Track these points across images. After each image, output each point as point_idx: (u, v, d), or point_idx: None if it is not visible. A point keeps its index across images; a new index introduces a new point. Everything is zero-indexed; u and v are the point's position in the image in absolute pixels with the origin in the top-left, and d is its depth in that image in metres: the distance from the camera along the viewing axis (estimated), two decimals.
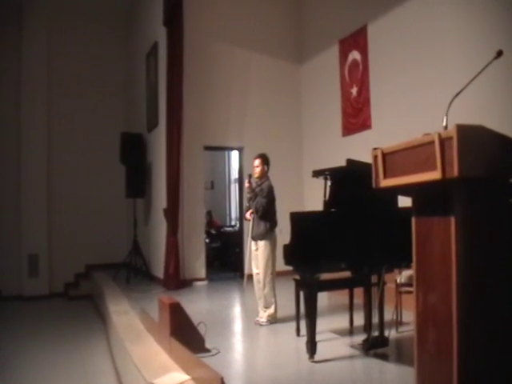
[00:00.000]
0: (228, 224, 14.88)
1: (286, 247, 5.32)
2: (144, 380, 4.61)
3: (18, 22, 12.46)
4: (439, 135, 2.90)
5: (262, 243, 6.89)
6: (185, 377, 4.50)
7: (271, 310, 6.90)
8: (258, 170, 7.14)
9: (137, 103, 13.28)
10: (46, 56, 12.68)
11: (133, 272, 11.24)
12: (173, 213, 10.28)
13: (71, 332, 8.50)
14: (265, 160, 7.18)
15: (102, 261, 12.53)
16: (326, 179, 5.36)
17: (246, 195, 7.34)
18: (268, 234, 6.89)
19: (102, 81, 13.50)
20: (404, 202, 3.93)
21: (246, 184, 7.22)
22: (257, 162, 7.17)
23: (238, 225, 12.59)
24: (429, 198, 3.18)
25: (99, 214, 12.96)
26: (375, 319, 5.54)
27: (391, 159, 3.29)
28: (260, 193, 7.00)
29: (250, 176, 7.22)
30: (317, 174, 5.38)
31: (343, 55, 10.36)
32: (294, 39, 12.05)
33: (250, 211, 7.09)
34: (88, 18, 13.33)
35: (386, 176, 3.33)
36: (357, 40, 9.92)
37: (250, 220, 7.10)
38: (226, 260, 12.85)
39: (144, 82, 12.62)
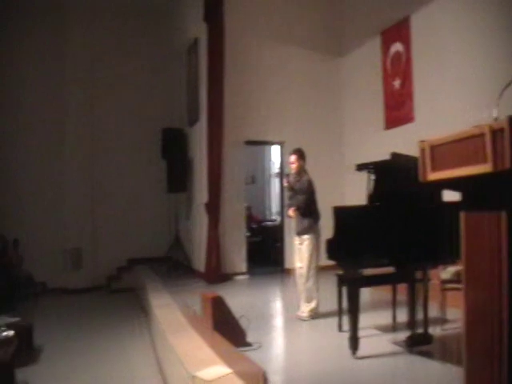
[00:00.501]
0: (268, 218, 14.86)
1: (328, 242, 5.27)
2: (186, 372, 4.62)
3: (60, 20, 12.69)
4: (490, 127, 2.81)
5: (306, 237, 6.85)
6: (227, 370, 4.50)
7: (313, 305, 6.86)
8: (294, 166, 7.10)
9: (177, 99, 13.37)
10: (88, 55, 12.87)
11: (174, 266, 11.33)
12: (214, 207, 10.31)
13: (114, 324, 8.61)
14: (300, 155, 7.12)
15: (144, 255, 12.67)
16: (369, 173, 5.27)
17: (286, 193, 7.29)
18: (312, 228, 6.85)
19: (143, 77, 13.62)
20: (449, 196, 3.83)
21: (285, 183, 7.19)
22: (292, 158, 7.12)
23: (278, 219, 12.55)
24: (479, 191, 3.08)
25: (141, 208, 13.10)
26: (419, 316, 5.45)
27: (439, 152, 3.20)
28: (299, 190, 6.95)
29: (288, 175, 7.18)
30: (361, 167, 5.30)
31: (385, 47, 10.20)
32: (334, 32, 11.92)
33: (293, 209, 7.03)
34: (128, 14, 13.45)
35: (433, 169, 3.24)
36: (399, 31, 9.75)
37: (292, 217, 7.05)
38: (266, 254, 12.82)
39: (185, 78, 12.68)
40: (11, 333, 6.11)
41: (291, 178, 7.13)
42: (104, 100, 13.17)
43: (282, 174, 11.34)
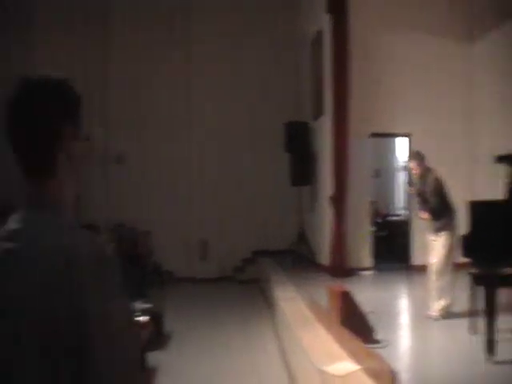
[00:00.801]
0: (394, 213, 14.48)
1: (465, 238, 5.01)
2: (313, 366, 4.60)
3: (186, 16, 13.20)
4: None
5: (443, 233, 6.58)
6: (356, 367, 4.42)
7: (444, 303, 6.57)
8: (416, 173, 6.88)
9: (302, 92, 13.36)
10: (214, 48, 13.24)
11: (298, 259, 11.36)
12: (339, 201, 10.21)
13: (238, 314, 8.80)
14: (420, 159, 6.88)
15: (268, 247, 12.81)
16: (510, 165, 4.95)
17: (416, 198, 7.06)
18: (449, 224, 6.57)
19: (267, 71, 13.72)
20: None
21: (411, 191, 6.98)
22: (413, 164, 6.92)
23: (404, 213, 12.19)
24: None
25: (265, 201, 13.25)
26: None
27: None
28: (429, 193, 6.69)
29: (410, 183, 6.97)
30: (502, 159, 4.99)
31: None
32: (463, 16, 11.25)
33: (425, 213, 6.79)
34: (251, 7, 13.61)
35: None
36: None
37: (425, 219, 6.82)
38: (392, 250, 12.49)
39: (309, 71, 12.64)
40: (147, 318, 6.41)
41: (416, 183, 6.90)
42: (229, 94, 13.47)
43: (409, 167, 10.99)
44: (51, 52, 12.30)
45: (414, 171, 6.91)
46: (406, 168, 11.36)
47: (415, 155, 6.95)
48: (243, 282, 12.13)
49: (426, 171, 6.84)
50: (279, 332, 7.37)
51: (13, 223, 1.31)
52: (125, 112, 12.82)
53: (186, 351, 6.77)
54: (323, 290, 6.65)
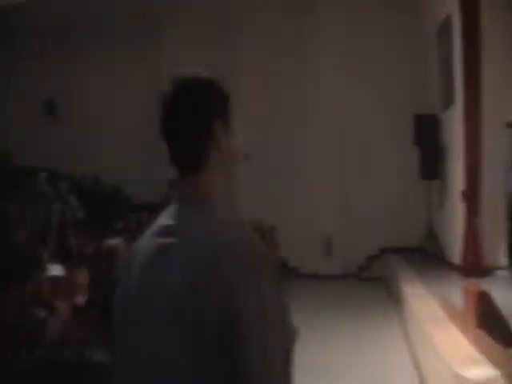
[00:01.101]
0: None
1: None
2: (448, 369, 4.38)
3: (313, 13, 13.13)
4: None
5: None
6: (495, 372, 4.14)
7: None
8: None
9: (428, 82, 12.83)
10: (339, 43, 13.10)
11: (427, 256, 10.95)
12: (472, 195, 9.69)
13: (363, 311, 8.64)
14: None
15: (395, 244, 12.46)
16: None
17: None
18: None
19: (392, 62, 13.36)
20: None
21: None
22: None
23: None
24: None
25: (391, 196, 12.89)
26: None
27: None
28: None
29: None
30: None
31: None
32: None
33: None
34: None
35: None
36: None
37: None
38: None
39: (437, 60, 12.11)
40: None
41: None
42: (355, 87, 13.26)
43: None
44: (178, 52, 12.82)
45: None
46: None
47: None
48: (368, 279, 11.90)
49: None
50: (408, 329, 7.14)
51: (165, 219, 1.36)
52: (252, 109, 13.03)
53: (311, 348, 6.72)
54: (455, 289, 6.32)
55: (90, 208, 12.23)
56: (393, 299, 9.36)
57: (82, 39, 14.85)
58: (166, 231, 1.32)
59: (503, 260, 10.01)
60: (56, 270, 5.75)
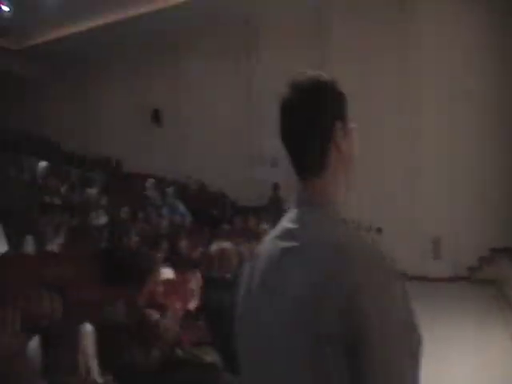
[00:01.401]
0: None
1: None
2: None
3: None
4: None
5: None
6: None
7: None
8: None
9: None
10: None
11: None
12: None
13: (473, 313, 8.36)
14: None
15: (507, 244, 11.87)
16: None
17: None
18: None
19: (497, 56, 12.75)
20: None
21: None
22: None
23: None
24: None
25: (501, 194, 12.24)
26: None
27: None
28: None
29: None
30: None
31: None
32: None
33: None
34: None
35: None
36: None
37: None
38: None
39: None
40: None
41: None
42: (460, 83, 12.82)
43: None
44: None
45: None
46: None
47: None
48: (479, 282, 11.43)
49: None
50: None
51: (287, 222, 1.38)
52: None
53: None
54: None
55: (196, 213, 12.62)
56: (507, 302, 8.95)
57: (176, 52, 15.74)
58: (289, 234, 1.34)
59: None
60: (168, 273, 6.01)
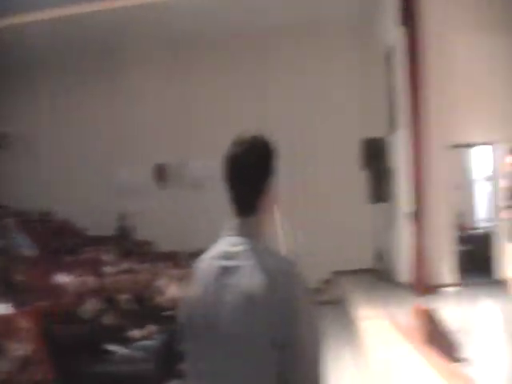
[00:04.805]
0: (477, 226, 13.96)
1: None
2: None
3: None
4: None
5: None
6: None
7: None
8: None
9: (375, 107, 13.23)
10: (288, 64, 13.53)
11: (377, 277, 11.16)
12: (418, 216, 9.98)
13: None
14: None
15: (348, 267, 12.62)
16: None
17: (506, 193, 6.72)
18: None
19: (339, 86, 13.76)
20: None
21: (506, 183, 6.64)
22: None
23: (488, 226, 11.71)
24: None
25: (343, 219, 13.07)
26: None
27: None
28: None
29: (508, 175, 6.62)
30: None
31: None
32: None
33: (510, 211, 6.48)
34: (319, 26, 13.72)
35: None
36: None
37: (509, 218, 6.51)
38: (476, 264, 12.01)
39: (382, 85, 12.52)
40: None
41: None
42: (301, 110, 13.62)
43: (491, 178, 10.60)
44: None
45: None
46: (491, 177, 10.96)
47: None
48: (325, 303, 11.98)
49: None
50: (360, 352, 7.23)
51: (225, 246, 1.75)
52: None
53: None
54: (405, 308, 6.47)
55: (39, 243, 12.00)
56: (348, 322, 9.47)
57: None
58: (228, 256, 1.71)
59: (451, 277, 10.30)
60: (2, 308, 5.60)
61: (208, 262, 1.77)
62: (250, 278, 1.62)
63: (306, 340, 1.63)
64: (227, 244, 1.75)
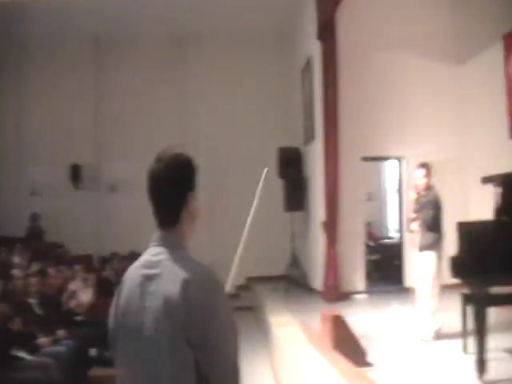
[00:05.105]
0: (387, 236, 14.53)
1: (453, 259, 5.06)
2: None
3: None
4: None
5: (429, 254, 6.59)
6: None
7: (436, 326, 6.58)
8: (423, 182, 6.85)
9: (293, 117, 13.50)
10: (206, 74, 13.66)
11: (292, 284, 11.36)
12: (331, 225, 10.26)
13: None
14: (428, 170, 6.89)
15: (262, 273, 12.76)
16: (496, 186, 5.02)
17: (413, 206, 7.04)
18: (436, 245, 6.60)
19: (258, 95, 13.98)
20: None
21: (414, 195, 6.96)
22: (422, 172, 6.87)
23: (397, 236, 12.22)
24: None
25: (258, 227, 13.11)
26: None
27: None
28: (428, 204, 6.71)
29: (417, 187, 6.94)
30: (486, 180, 5.07)
31: (507, 51, 9.63)
32: (452, 38, 11.32)
33: (418, 222, 6.80)
34: (244, 34, 13.91)
35: None
36: None
37: (415, 232, 6.83)
38: (385, 273, 12.51)
39: (300, 96, 12.80)
40: None
41: (419, 192, 6.89)
42: (223, 121, 13.73)
43: (401, 191, 11.07)
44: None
45: (421, 180, 6.87)
46: (398, 191, 11.44)
47: (426, 165, 6.92)
48: (238, 309, 12.05)
49: (429, 184, 6.88)
50: (274, 358, 7.36)
51: (148, 256, 1.93)
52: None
53: None
54: (316, 315, 6.65)
55: None
56: (261, 328, 9.59)
57: None
58: (149, 265, 1.90)
59: (361, 284, 10.66)
60: None
61: (133, 271, 1.95)
62: (168, 285, 1.80)
63: (222, 340, 1.80)
64: (150, 254, 1.93)
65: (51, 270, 8.15)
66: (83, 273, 9.12)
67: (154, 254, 1.91)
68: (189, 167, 1.98)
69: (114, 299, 1.98)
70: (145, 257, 1.94)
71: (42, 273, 7.92)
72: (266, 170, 3.02)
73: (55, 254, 10.73)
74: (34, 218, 12.75)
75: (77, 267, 9.30)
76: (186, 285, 1.77)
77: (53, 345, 6.28)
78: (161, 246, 1.91)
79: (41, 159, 13.83)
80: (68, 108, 13.93)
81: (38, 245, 11.37)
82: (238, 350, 1.88)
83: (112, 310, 1.97)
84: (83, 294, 8.23)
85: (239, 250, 2.72)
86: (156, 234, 1.95)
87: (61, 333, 6.74)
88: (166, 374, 1.79)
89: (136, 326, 1.85)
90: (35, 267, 8.35)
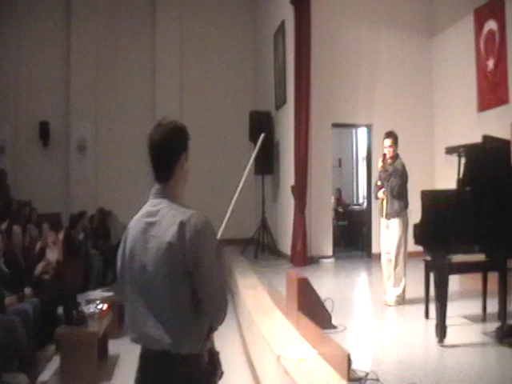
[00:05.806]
0: (355, 202, 14.71)
1: (416, 226, 5.18)
2: (272, 352, 4.72)
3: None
4: None
5: (395, 221, 6.72)
6: (312, 351, 4.55)
7: (399, 291, 6.75)
8: (390, 151, 6.93)
9: (265, 81, 13.44)
10: (178, 35, 13.43)
11: (261, 248, 11.48)
12: (300, 190, 10.34)
13: None
14: (395, 139, 6.97)
15: (231, 236, 12.79)
16: (460, 157, 5.11)
17: (380, 174, 7.13)
18: (402, 212, 6.72)
19: (230, 59, 13.88)
20: None
21: (380, 164, 7.04)
22: (388, 141, 6.94)
23: (365, 203, 12.39)
24: None
25: (228, 190, 13.18)
26: (511, 307, 5.25)
27: None
28: (394, 172, 6.80)
29: (384, 156, 7.02)
30: (450, 151, 5.17)
31: (478, 26, 9.69)
32: (424, 11, 11.37)
33: (383, 190, 6.91)
34: None
35: None
36: (493, 9, 9.24)
37: (382, 199, 6.94)
38: (352, 239, 12.73)
39: (272, 61, 12.72)
40: (105, 306, 6.47)
41: (386, 161, 6.98)
42: (194, 83, 13.61)
43: (369, 158, 11.17)
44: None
45: (389, 148, 6.93)
46: (367, 158, 11.55)
47: (392, 134, 6.97)
48: None
49: (396, 154, 6.97)
50: (241, 320, 7.48)
51: (148, 207, 2.32)
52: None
53: None
54: (284, 278, 6.75)
55: None
56: (229, 291, 9.70)
57: None
58: (151, 214, 2.29)
59: (329, 249, 10.82)
60: None
61: (136, 220, 2.34)
62: (167, 228, 2.20)
63: (211, 268, 2.21)
64: (150, 205, 2.33)
65: (16, 228, 8.04)
66: (51, 231, 9.04)
67: (153, 204, 2.31)
68: (183, 131, 2.38)
69: (121, 245, 2.37)
70: (146, 207, 2.34)
71: (8, 231, 7.82)
72: (262, 135, 3.61)
73: (22, 212, 10.58)
74: (0, 175, 12.49)
75: (45, 226, 9.21)
76: (182, 225, 2.18)
77: (19, 303, 6.27)
78: (159, 197, 2.32)
79: (8, 116, 13.55)
80: (37, 64, 13.62)
81: (5, 202, 11.19)
82: (223, 276, 2.40)
83: (119, 254, 2.37)
84: (51, 253, 8.20)
85: (230, 207, 3.29)
86: (154, 188, 2.34)
87: (27, 291, 6.73)
88: (166, 303, 2.20)
89: (141, 264, 2.25)
90: (2, 226, 8.24)
